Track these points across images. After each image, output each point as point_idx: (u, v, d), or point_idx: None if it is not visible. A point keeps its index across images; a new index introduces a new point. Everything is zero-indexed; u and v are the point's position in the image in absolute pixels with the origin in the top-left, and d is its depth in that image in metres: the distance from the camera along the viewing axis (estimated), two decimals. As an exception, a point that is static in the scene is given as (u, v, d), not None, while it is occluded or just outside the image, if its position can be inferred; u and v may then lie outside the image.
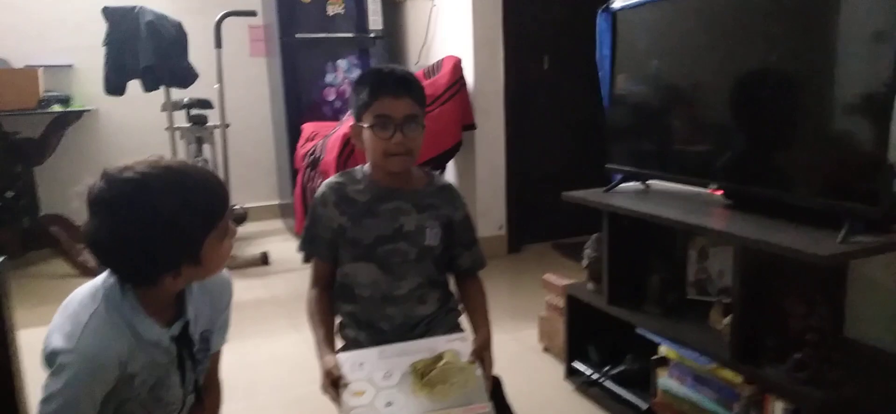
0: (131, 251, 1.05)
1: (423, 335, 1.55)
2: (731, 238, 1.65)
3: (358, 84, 1.53)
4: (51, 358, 1.07)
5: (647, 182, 2.15)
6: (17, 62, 4.10)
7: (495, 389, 1.58)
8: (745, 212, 1.75)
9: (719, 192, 1.89)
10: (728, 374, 1.68)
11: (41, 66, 4.01)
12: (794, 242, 1.47)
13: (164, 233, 1.05)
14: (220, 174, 4.04)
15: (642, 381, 1.99)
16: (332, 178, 1.59)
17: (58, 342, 1.06)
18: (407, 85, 1.50)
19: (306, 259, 1.61)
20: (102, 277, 1.14)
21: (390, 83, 1.49)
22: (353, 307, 1.56)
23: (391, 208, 1.53)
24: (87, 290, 1.14)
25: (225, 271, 1.29)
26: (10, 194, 3.83)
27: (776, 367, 1.55)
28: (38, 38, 4.26)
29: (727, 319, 1.72)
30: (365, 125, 1.48)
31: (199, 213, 1.08)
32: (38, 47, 4.22)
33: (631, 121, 2.16)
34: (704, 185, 1.91)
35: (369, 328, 1.55)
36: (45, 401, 1.06)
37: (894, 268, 1.70)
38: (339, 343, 1.58)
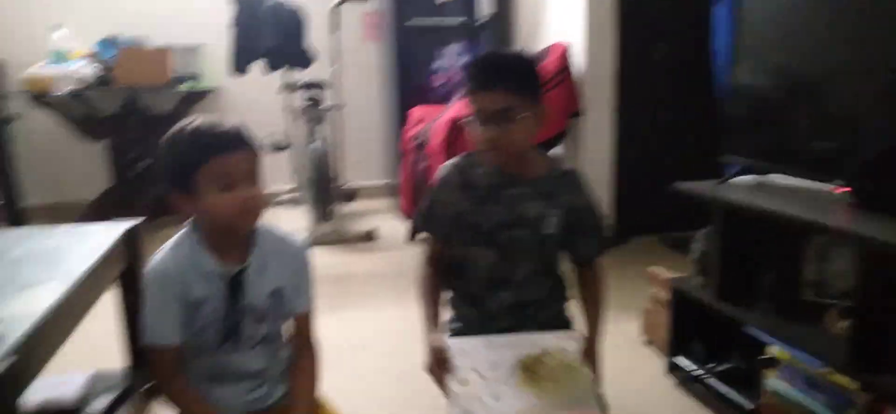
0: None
1: (531, 319, 1.55)
2: (854, 238, 1.56)
3: (464, 71, 1.51)
4: (143, 278, 1.29)
5: (764, 176, 2.06)
6: (153, 41, 4.43)
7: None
8: (871, 211, 1.64)
9: (842, 190, 1.79)
10: (843, 379, 1.59)
11: (173, 45, 4.31)
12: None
13: (165, 169, 1.25)
14: (334, 154, 4.21)
15: (748, 381, 1.91)
16: (457, 160, 1.57)
17: (147, 265, 1.29)
18: (500, 74, 1.42)
19: (414, 235, 1.65)
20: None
21: (481, 75, 1.43)
22: (465, 286, 1.58)
23: (514, 195, 1.50)
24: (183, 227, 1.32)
25: (300, 238, 1.40)
26: (144, 164, 4.16)
27: (898, 375, 1.46)
28: (171, 20, 4.56)
29: (845, 323, 1.63)
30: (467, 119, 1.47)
31: (182, 154, 1.21)
32: (172, 28, 4.52)
33: (751, 111, 2.07)
34: (828, 182, 1.81)
35: (479, 307, 1.57)
36: (142, 317, 1.28)
37: None
38: (446, 315, 1.61)
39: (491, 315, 1.55)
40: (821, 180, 1.86)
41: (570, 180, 1.55)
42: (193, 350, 1.30)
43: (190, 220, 1.30)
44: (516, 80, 1.42)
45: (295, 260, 1.37)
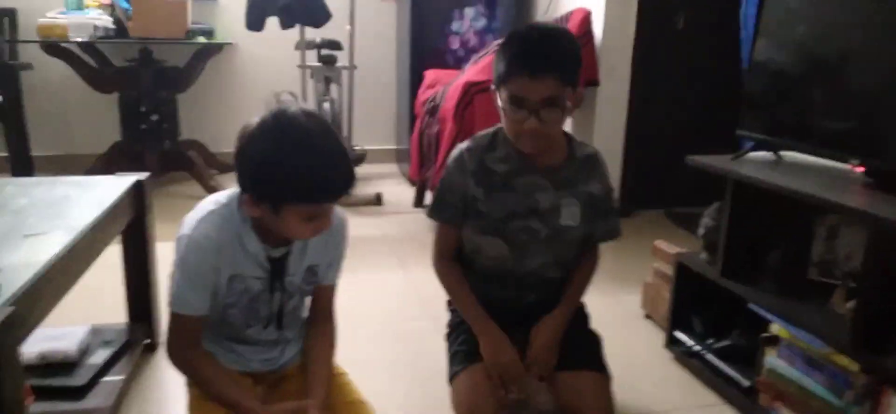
0: (239, 169, 1.16)
1: (540, 289, 1.55)
2: (867, 217, 1.53)
3: (502, 46, 1.36)
4: (177, 241, 1.23)
5: (780, 152, 2.03)
6: (170, -7, 4.39)
7: (594, 349, 1.57)
8: (886, 192, 1.61)
9: (860, 170, 1.76)
10: (844, 360, 1.58)
11: (190, -2, 4.28)
12: (937, 227, 1.35)
13: (251, 171, 1.14)
14: (345, 115, 4.19)
15: (747, 358, 1.90)
16: (473, 142, 1.49)
17: (182, 228, 1.23)
18: (550, 62, 1.30)
19: (422, 206, 1.63)
20: (236, 189, 1.23)
21: (530, 60, 1.29)
22: (472, 275, 1.55)
23: (527, 183, 1.45)
24: (220, 195, 1.27)
25: (340, 211, 1.33)
26: (155, 118, 4.15)
27: (901, 359, 1.44)
28: (188, -28, 4.53)
29: (851, 304, 1.61)
30: (499, 100, 1.37)
31: (285, 182, 1.11)
32: (189, -20, 4.50)
33: (771, 86, 2.03)
34: (845, 160, 1.78)
35: (490, 282, 1.55)
36: (171, 275, 1.24)
37: None
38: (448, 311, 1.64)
39: (501, 285, 1.53)
40: (836, 159, 1.83)
41: (590, 167, 1.48)
42: (217, 319, 1.29)
43: (234, 195, 1.24)
44: (566, 67, 1.32)
45: (334, 236, 1.33)
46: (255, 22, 3.94)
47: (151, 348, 2.09)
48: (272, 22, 3.93)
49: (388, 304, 2.59)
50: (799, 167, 1.93)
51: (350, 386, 1.40)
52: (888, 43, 1.65)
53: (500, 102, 1.38)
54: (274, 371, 1.39)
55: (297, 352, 1.42)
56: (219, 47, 4.38)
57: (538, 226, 1.46)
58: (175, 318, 1.25)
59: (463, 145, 1.51)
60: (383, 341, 2.28)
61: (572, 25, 3.48)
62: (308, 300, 1.41)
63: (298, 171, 1.10)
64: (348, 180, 1.16)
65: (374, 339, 2.30)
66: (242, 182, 1.17)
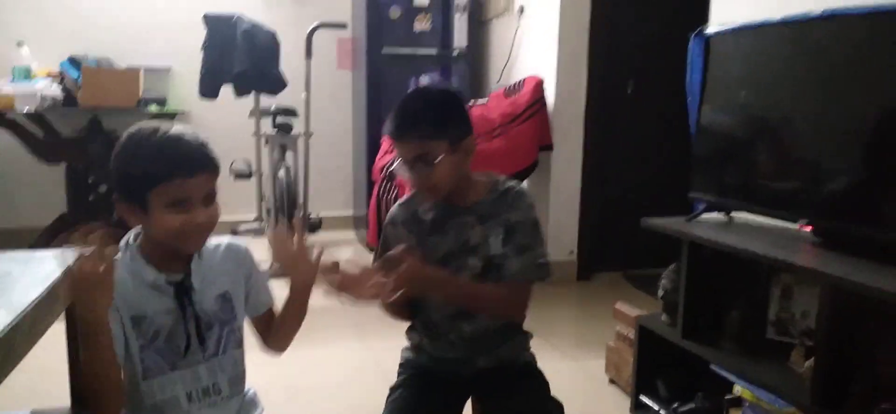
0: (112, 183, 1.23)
1: (487, 351, 1.53)
2: (818, 276, 1.57)
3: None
4: None
5: (731, 214, 2.07)
6: (121, 62, 4.35)
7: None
8: (834, 250, 1.66)
9: (808, 229, 1.81)
10: (807, 420, 1.59)
11: (142, 66, 4.24)
12: (889, 283, 1.38)
13: (117, 175, 1.20)
14: (300, 182, 4.16)
15: (713, 420, 1.90)
16: (403, 199, 1.59)
17: None
18: (411, 123, 1.42)
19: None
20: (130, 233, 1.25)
21: (394, 124, 1.43)
22: (426, 315, 1.55)
23: (458, 224, 1.50)
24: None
25: (241, 241, 1.37)
26: (103, 189, 4.06)
27: (861, 417, 1.46)
28: (139, 40, 4.49)
29: (809, 362, 1.63)
30: None
31: (141, 168, 1.16)
32: (140, 49, 4.46)
33: (718, 150, 2.10)
34: (793, 220, 1.83)
35: (439, 338, 1.54)
36: None
37: None
38: (404, 343, 1.59)
39: (450, 344, 1.52)
40: (784, 219, 1.88)
41: (510, 198, 1.51)
42: (148, 369, 1.23)
43: (123, 240, 1.24)
44: (429, 126, 1.40)
45: (240, 263, 1.33)
46: (208, 90, 3.92)
47: (96, 432, 1.97)
48: (226, 90, 3.92)
49: (346, 377, 2.52)
50: (750, 227, 1.97)
51: None
52: (826, 105, 1.72)
53: None
54: None
55: None
56: (172, 116, 4.33)
57: (473, 261, 1.48)
58: None
59: (396, 204, 1.59)
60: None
61: (525, 92, 3.56)
62: (236, 355, 1.33)
63: (151, 150, 1.15)
64: (204, 156, 1.18)
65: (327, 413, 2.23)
66: (115, 194, 1.21)
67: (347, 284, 1.39)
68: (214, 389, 1.29)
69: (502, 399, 1.49)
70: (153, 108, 4.16)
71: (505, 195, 1.51)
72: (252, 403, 1.39)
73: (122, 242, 1.24)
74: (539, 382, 1.59)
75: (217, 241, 1.32)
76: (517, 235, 1.47)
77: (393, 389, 1.55)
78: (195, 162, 1.17)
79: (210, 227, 1.21)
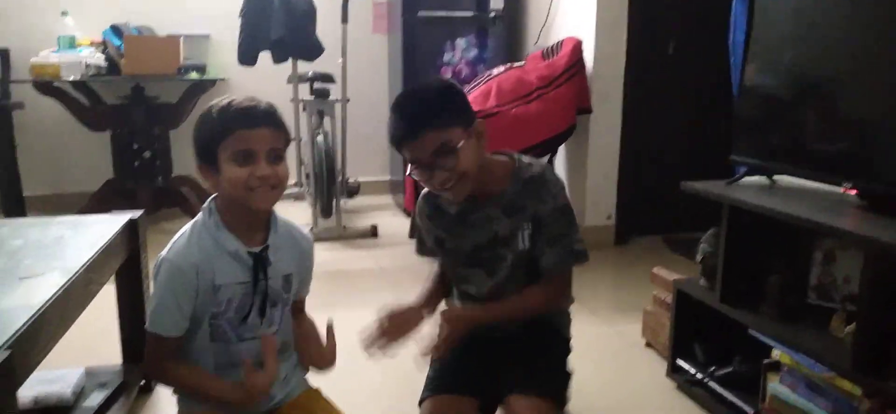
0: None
1: (524, 331, 1.55)
2: (862, 240, 1.54)
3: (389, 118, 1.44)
4: (155, 264, 1.28)
5: (774, 177, 2.03)
6: (161, 30, 4.42)
7: (553, 379, 1.55)
8: (880, 214, 1.62)
9: (853, 193, 1.77)
10: (846, 384, 1.57)
11: (182, 34, 4.29)
12: (935, 249, 1.35)
13: (195, 140, 1.28)
14: (339, 148, 4.19)
15: (750, 385, 1.89)
16: (425, 190, 1.54)
17: (162, 252, 1.27)
18: (422, 119, 1.35)
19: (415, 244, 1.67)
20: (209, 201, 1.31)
21: (402, 127, 1.37)
22: (463, 300, 1.58)
23: (483, 217, 1.48)
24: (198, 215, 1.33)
25: (307, 233, 1.44)
26: (147, 154, 4.15)
27: (903, 382, 1.44)
28: (179, 8, 4.56)
29: (850, 328, 1.60)
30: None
31: (211, 124, 1.24)
32: (180, 17, 4.52)
33: (762, 111, 2.05)
34: (838, 184, 1.79)
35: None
36: (151, 297, 1.29)
37: None
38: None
39: (486, 327, 1.52)
40: (829, 182, 1.84)
41: (534, 188, 1.46)
42: (213, 333, 1.30)
43: (205, 206, 1.31)
44: (444, 113, 1.35)
45: (304, 249, 1.41)
46: (247, 57, 3.96)
47: (147, 390, 2.06)
48: (264, 57, 3.95)
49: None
50: (793, 191, 1.93)
51: (334, 408, 1.43)
52: (877, 65, 1.67)
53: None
54: (272, 411, 1.37)
55: (294, 386, 1.41)
56: (211, 83, 4.39)
57: (504, 252, 1.48)
58: (151, 338, 1.27)
59: (421, 195, 1.57)
60: (382, 380, 2.26)
61: (563, 54, 3.51)
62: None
63: (221, 111, 1.24)
64: (267, 113, 1.25)
65: (371, 376, 2.28)
66: (196, 160, 1.28)
67: (394, 334, 1.47)
68: (285, 346, 1.38)
69: (516, 361, 1.51)
70: (193, 75, 4.22)
71: (528, 185, 1.46)
72: (297, 367, 1.45)
73: (205, 207, 1.31)
74: (560, 349, 1.59)
75: (286, 222, 1.38)
76: (547, 226, 1.45)
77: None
78: (257, 117, 1.24)
79: (276, 181, 1.25)
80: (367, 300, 2.96)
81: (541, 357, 1.54)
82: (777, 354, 1.78)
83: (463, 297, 1.59)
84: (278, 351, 1.33)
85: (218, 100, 1.27)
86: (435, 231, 1.54)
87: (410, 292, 1.59)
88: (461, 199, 1.44)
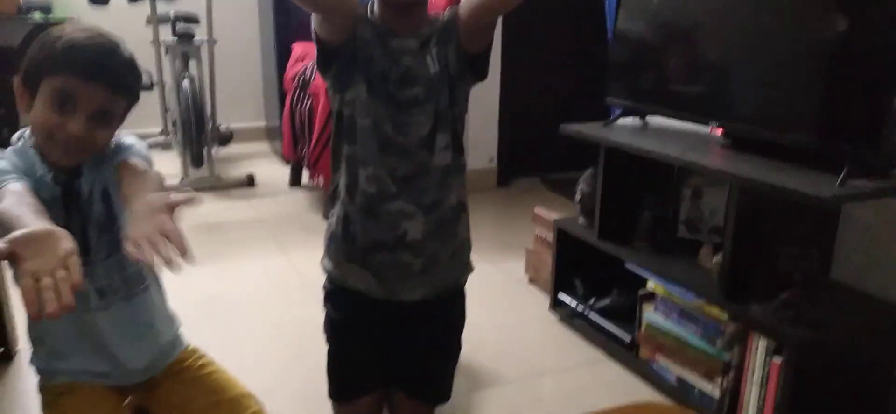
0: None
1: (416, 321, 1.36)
2: (726, 176, 1.65)
3: None
4: None
5: (646, 118, 2.13)
6: (-4, -36, 3.92)
7: (441, 374, 1.44)
8: (742, 152, 1.74)
9: (719, 132, 1.88)
10: (714, 310, 1.70)
11: (21, -31, 3.84)
12: (792, 182, 1.47)
13: (26, 56, 1.12)
14: (207, 93, 3.95)
15: (627, 315, 2.01)
16: None
17: None
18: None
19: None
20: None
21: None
22: (352, 183, 1.29)
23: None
24: None
25: (131, 136, 1.23)
26: (-14, 102, 3.73)
27: (763, 306, 1.57)
28: (17, -60, 4.06)
29: (717, 258, 1.73)
30: None
31: (48, 51, 1.09)
32: (18, -51, 4.03)
33: (633, 55, 2.13)
34: (704, 123, 1.90)
35: (361, 246, 1.31)
36: None
37: (886, 213, 1.71)
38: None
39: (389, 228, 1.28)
40: (696, 122, 1.95)
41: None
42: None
43: (21, 130, 1.16)
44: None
45: (112, 154, 1.18)
46: (99, -5, 3.62)
47: (6, 357, 1.89)
48: (120, -6, 3.63)
49: (270, 291, 2.49)
50: (664, 131, 2.04)
51: (232, 381, 1.31)
52: (736, 11, 1.77)
53: None
54: (140, 383, 1.28)
55: (166, 346, 1.30)
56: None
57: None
58: None
59: None
60: (267, 332, 2.19)
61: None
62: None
63: (65, 41, 1.09)
64: (113, 70, 1.11)
65: (257, 330, 2.21)
66: (19, 74, 1.13)
67: None
68: (110, 290, 1.20)
69: (412, 344, 1.37)
70: (37, 16, 3.81)
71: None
72: (167, 313, 1.33)
73: (16, 135, 1.16)
74: (457, 313, 1.43)
75: (115, 140, 1.20)
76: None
77: (326, 323, 1.41)
78: (97, 68, 1.08)
79: (82, 145, 1.10)
80: (248, 252, 2.85)
81: (436, 351, 1.41)
82: (651, 285, 1.90)
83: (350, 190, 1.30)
84: (132, 283, 1.22)
85: (75, 28, 1.12)
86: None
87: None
88: None
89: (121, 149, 1.18)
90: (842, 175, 1.43)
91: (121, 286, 1.22)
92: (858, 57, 1.49)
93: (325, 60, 1.24)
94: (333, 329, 1.39)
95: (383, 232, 1.26)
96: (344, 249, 1.30)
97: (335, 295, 1.37)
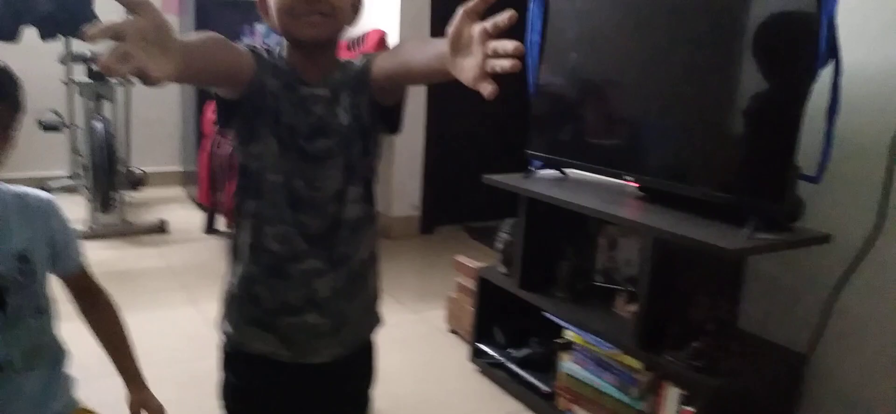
0: None
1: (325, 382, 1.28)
2: (641, 228, 1.69)
3: None
4: None
5: (565, 171, 2.18)
6: None
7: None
8: (656, 204, 1.80)
9: (634, 184, 1.94)
10: (629, 360, 1.72)
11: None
12: (701, 234, 1.52)
13: None
14: (119, 135, 3.80)
15: (546, 364, 2.01)
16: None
17: None
18: None
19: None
20: None
21: None
22: (259, 244, 1.21)
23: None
24: None
25: (43, 193, 1.18)
26: None
27: (675, 354, 1.60)
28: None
29: (632, 307, 1.76)
30: None
31: None
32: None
33: (553, 109, 2.18)
34: (619, 176, 1.95)
35: (283, 280, 1.22)
36: None
37: (789, 264, 1.80)
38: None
39: (298, 289, 1.21)
40: (611, 175, 2.00)
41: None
42: None
43: None
44: None
45: (43, 211, 1.15)
46: (7, 31, 3.45)
47: None
48: (31, 32, 3.46)
49: (178, 343, 2.37)
50: (582, 183, 2.09)
51: None
52: (649, 69, 1.85)
53: None
54: None
55: (59, 406, 1.20)
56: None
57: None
58: None
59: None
60: (173, 386, 2.07)
61: (368, 46, 3.49)
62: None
63: None
64: None
65: (163, 383, 2.07)
66: None
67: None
68: (7, 364, 1.11)
69: (322, 403, 1.28)
70: (-66, 47, 3.57)
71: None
72: (63, 377, 1.24)
73: None
74: (366, 365, 1.34)
75: (13, 191, 1.13)
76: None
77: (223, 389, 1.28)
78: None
79: None
80: (156, 302, 2.72)
81: (347, 410, 1.34)
82: (569, 334, 1.91)
83: (256, 250, 1.22)
84: (30, 357, 1.13)
85: None
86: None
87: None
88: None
89: (41, 212, 1.15)
90: (749, 228, 1.49)
91: (18, 359, 1.13)
92: (764, 116, 1.57)
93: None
94: (233, 397, 1.27)
95: (292, 293, 1.17)
96: (246, 311, 1.20)
97: (235, 359, 1.25)
